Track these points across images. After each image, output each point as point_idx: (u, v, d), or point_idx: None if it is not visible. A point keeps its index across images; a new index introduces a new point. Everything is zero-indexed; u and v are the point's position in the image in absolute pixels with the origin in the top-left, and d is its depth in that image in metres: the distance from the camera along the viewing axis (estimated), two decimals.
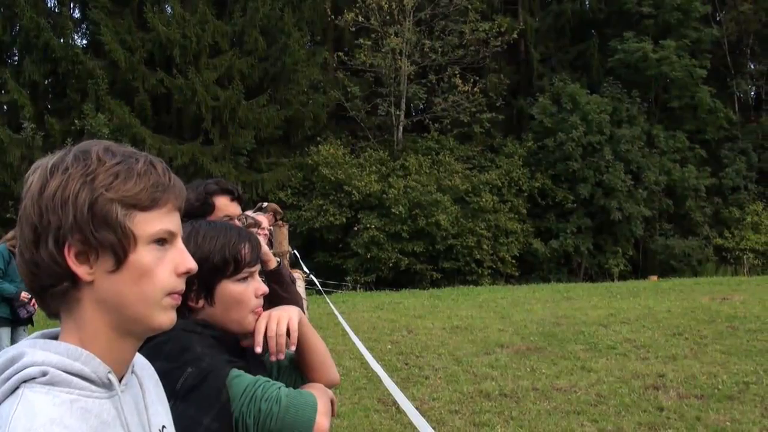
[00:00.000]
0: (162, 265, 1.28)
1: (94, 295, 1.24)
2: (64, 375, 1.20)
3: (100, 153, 1.24)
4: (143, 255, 1.25)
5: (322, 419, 1.91)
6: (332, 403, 2.05)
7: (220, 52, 30.84)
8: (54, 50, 28.30)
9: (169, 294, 1.29)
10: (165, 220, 1.27)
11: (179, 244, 1.32)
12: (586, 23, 39.79)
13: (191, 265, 1.31)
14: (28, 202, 1.22)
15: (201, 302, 2.02)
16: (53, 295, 1.24)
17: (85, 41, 33.00)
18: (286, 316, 2.09)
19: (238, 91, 29.94)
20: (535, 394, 8.87)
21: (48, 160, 1.25)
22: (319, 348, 2.21)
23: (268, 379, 1.95)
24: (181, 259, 1.31)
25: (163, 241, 1.28)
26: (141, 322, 1.28)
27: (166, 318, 1.30)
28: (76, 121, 26.82)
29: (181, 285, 1.31)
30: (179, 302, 1.33)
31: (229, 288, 2.03)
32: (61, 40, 29.20)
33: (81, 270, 1.22)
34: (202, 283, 1.99)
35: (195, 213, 3.10)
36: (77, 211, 1.19)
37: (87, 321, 1.25)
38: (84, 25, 33.03)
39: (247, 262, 2.06)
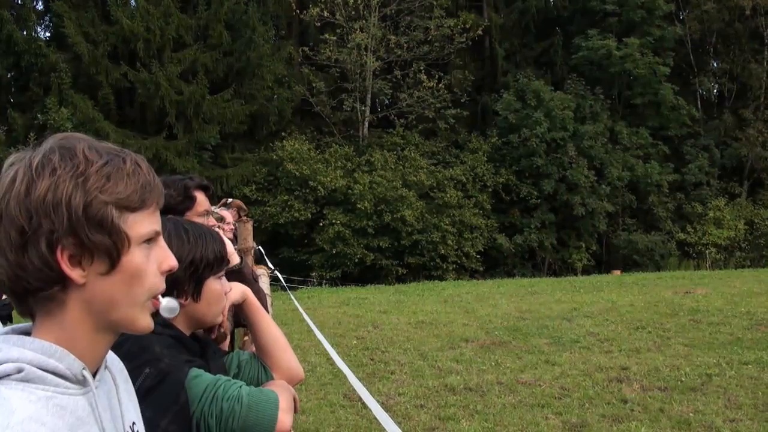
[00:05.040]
0: (150, 264, 1.27)
1: (82, 297, 1.22)
2: (39, 372, 1.18)
3: (86, 151, 1.21)
4: (135, 256, 1.24)
5: (285, 416, 1.92)
6: (294, 400, 2.05)
7: (185, 46, 30.64)
8: (17, 43, 27.96)
9: (154, 296, 1.29)
10: (152, 220, 1.27)
11: (161, 242, 1.31)
12: (551, 20, 40.00)
13: (173, 262, 1.32)
14: (12, 203, 1.16)
15: (186, 299, 2.03)
16: (39, 299, 1.21)
17: (48, 34, 32.68)
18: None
19: (203, 86, 29.77)
20: (500, 387, 8.89)
21: (29, 157, 1.20)
22: (271, 331, 2.28)
23: (228, 378, 1.95)
24: (164, 256, 1.31)
25: (150, 240, 1.27)
26: (125, 324, 1.28)
27: (147, 320, 1.30)
28: (39, 115, 26.57)
29: (163, 284, 1.31)
30: (157, 307, 1.33)
31: (213, 285, 2.08)
32: (24, 33, 28.90)
33: (75, 273, 1.19)
34: (195, 281, 2.03)
35: (176, 207, 3.10)
36: (72, 214, 1.16)
37: (69, 321, 1.23)
38: (47, 18, 32.71)
39: (226, 260, 2.15)
